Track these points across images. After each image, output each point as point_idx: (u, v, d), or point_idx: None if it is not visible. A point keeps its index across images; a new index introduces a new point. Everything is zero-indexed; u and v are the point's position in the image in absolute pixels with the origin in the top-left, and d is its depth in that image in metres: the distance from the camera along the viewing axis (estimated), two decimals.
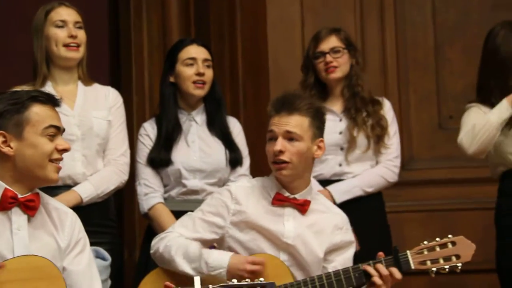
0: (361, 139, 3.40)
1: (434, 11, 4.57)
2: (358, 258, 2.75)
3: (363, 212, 3.36)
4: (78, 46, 3.23)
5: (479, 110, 3.25)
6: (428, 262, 2.52)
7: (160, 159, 3.32)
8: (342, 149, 3.41)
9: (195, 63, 3.34)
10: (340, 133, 3.42)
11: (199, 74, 3.32)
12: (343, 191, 3.37)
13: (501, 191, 3.26)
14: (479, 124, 3.16)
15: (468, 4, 4.57)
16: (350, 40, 3.51)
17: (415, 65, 4.54)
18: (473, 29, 4.53)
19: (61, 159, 2.46)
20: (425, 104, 4.52)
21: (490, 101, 3.23)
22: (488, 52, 3.28)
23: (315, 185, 3.31)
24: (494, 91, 3.24)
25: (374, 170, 3.43)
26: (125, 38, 4.55)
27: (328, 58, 3.42)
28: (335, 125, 3.42)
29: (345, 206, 3.29)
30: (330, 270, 2.66)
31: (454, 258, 2.51)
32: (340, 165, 3.42)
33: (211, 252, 2.69)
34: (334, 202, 3.30)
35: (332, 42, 3.45)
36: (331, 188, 3.37)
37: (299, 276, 2.68)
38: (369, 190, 3.41)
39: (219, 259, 2.66)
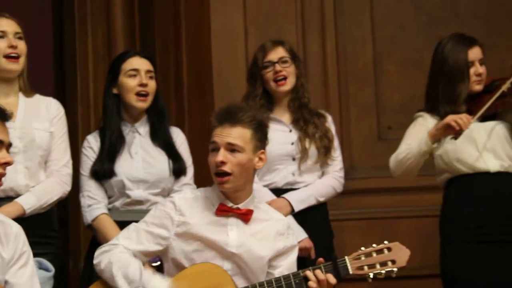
0: (313, 151, 3.41)
1: (373, 26, 4.62)
2: (307, 264, 2.76)
3: (311, 220, 3.37)
4: (18, 57, 3.19)
5: (423, 122, 3.28)
6: (366, 267, 2.55)
7: (103, 170, 3.28)
8: (294, 159, 3.42)
9: (138, 74, 3.31)
10: (292, 143, 3.43)
11: (142, 85, 3.30)
12: (300, 200, 3.38)
13: (445, 198, 3.29)
14: (402, 153, 3.21)
15: (404, 20, 4.64)
16: (295, 52, 3.53)
17: (354, 77, 4.58)
18: (409, 44, 4.59)
19: (3, 173, 2.41)
20: (364, 115, 4.56)
21: (438, 109, 3.26)
22: (437, 62, 3.32)
23: (268, 194, 3.33)
24: (441, 100, 3.26)
25: (325, 181, 3.45)
26: (70, 50, 4.49)
27: (278, 67, 3.41)
28: (286, 135, 3.42)
29: (294, 215, 3.34)
30: (276, 275, 2.68)
31: (390, 263, 2.54)
32: (293, 174, 3.43)
33: (150, 278, 2.66)
34: (292, 211, 3.33)
35: (279, 52, 3.45)
36: (289, 197, 3.37)
37: (243, 285, 2.67)
38: (321, 199, 3.44)
39: (157, 286, 2.62)
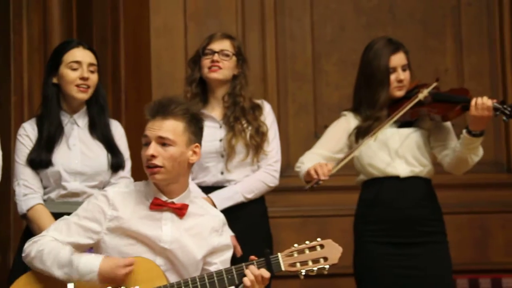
0: (240, 148, 3.37)
1: (313, 25, 4.65)
2: (239, 261, 2.74)
3: (247, 218, 3.35)
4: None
5: (344, 123, 3.32)
6: (298, 264, 2.53)
7: (40, 160, 3.20)
8: (222, 156, 3.38)
9: (79, 67, 3.24)
10: (220, 140, 3.40)
11: (83, 78, 3.24)
12: (225, 197, 3.34)
13: (360, 199, 3.35)
14: (297, 166, 3.33)
15: (344, 21, 4.68)
16: (241, 51, 3.49)
17: (293, 75, 4.60)
18: (348, 44, 4.63)
19: None
20: (302, 113, 4.58)
21: (360, 111, 3.30)
22: (363, 64, 3.34)
23: (197, 192, 3.27)
24: (363, 102, 3.30)
25: (254, 176, 3.41)
26: (4, 39, 4.39)
27: (216, 57, 3.38)
28: (215, 132, 3.38)
29: (228, 212, 3.25)
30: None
31: (322, 260, 2.53)
32: (222, 173, 3.39)
33: (81, 257, 2.60)
34: None
35: (224, 45, 3.41)
36: (213, 195, 3.33)
37: (176, 280, 2.62)
38: (250, 196, 3.39)
39: (89, 263, 2.57)
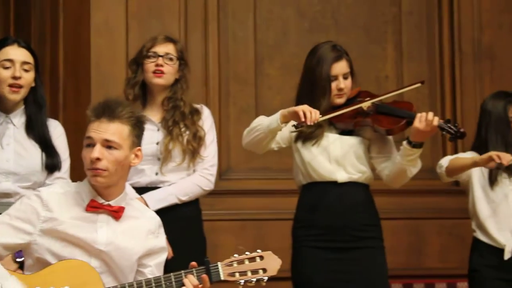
0: (177, 152, 3.34)
1: (256, 27, 4.64)
2: (173, 266, 2.73)
3: (180, 220, 3.32)
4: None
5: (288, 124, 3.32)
6: (237, 274, 2.54)
7: None
8: (159, 159, 3.34)
9: (12, 66, 3.16)
10: (157, 143, 3.36)
11: (14, 77, 3.16)
12: (158, 199, 3.30)
13: (298, 203, 3.35)
14: (254, 123, 3.22)
15: (287, 25, 4.68)
16: (184, 55, 3.46)
17: (235, 78, 4.58)
18: (291, 48, 4.63)
19: None
20: (244, 116, 4.54)
21: None
22: (306, 69, 3.33)
23: (131, 192, 3.25)
24: None
25: (190, 179, 3.38)
26: None
27: (160, 61, 3.35)
28: (153, 135, 3.34)
29: (162, 213, 3.28)
30: (147, 274, 2.62)
31: (261, 272, 2.55)
32: (157, 174, 3.37)
33: (6, 278, 2.50)
34: None
35: (168, 48, 3.38)
36: (146, 196, 3.29)
37: (111, 283, 2.57)
38: (184, 198, 3.36)
39: None
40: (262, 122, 3.21)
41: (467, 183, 3.68)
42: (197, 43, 4.54)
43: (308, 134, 3.27)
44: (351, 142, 3.29)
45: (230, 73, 4.60)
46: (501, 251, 3.57)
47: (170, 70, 3.37)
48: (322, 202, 3.25)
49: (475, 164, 3.46)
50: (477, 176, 3.64)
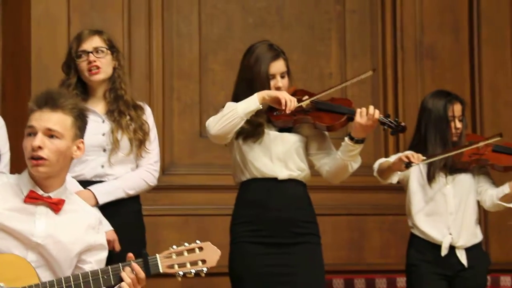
0: (125, 142, 3.29)
1: (200, 23, 4.61)
2: (113, 261, 2.69)
3: (121, 214, 3.27)
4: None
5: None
6: (176, 266, 2.51)
7: None
8: (104, 150, 3.29)
9: None
10: (103, 134, 3.30)
11: None
12: (106, 192, 3.24)
13: (237, 199, 3.35)
14: (227, 109, 3.19)
15: (232, 20, 4.67)
16: (113, 42, 3.40)
17: (180, 74, 4.54)
18: (235, 44, 4.61)
19: None
20: (187, 112, 4.53)
21: None
22: (243, 68, 3.33)
23: (75, 185, 3.15)
24: None
25: (136, 173, 3.34)
26: None
27: (91, 57, 3.29)
28: (98, 126, 3.28)
29: (105, 207, 3.22)
30: (87, 270, 2.55)
31: (200, 263, 2.52)
32: (102, 166, 3.30)
33: None
34: (97, 203, 3.20)
35: (95, 42, 3.32)
36: (94, 189, 3.23)
37: (49, 277, 2.51)
38: (131, 192, 3.32)
39: None
40: (235, 107, 3.17)
41: (404, 181, 3.72)
42: (141, 38, 4.49)
43: (249, 132, 3.26)
44: (291, 139, 3.30)
45: (174, 69, 4.56)
46: (438, 246, 3.62)
47: (104, 63, 3.32)
48: (262, 198, 3.25)
49: (389, 168, 3.52)
50: (415, 174, 3.67)
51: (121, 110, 3.32)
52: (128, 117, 3.33)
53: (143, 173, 3.37)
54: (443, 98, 3.69)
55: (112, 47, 3.36)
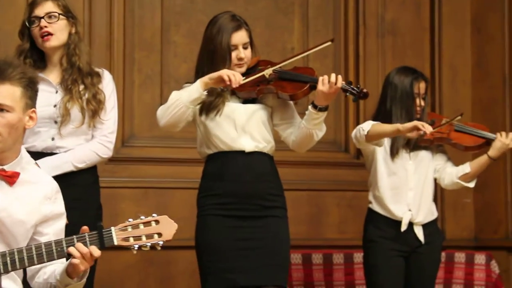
0: (76, 113, 3.20)
1: None
2: (68, 234, 2.64)
3: (76, 187, 3.19)
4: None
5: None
6: (131, 239, 2.45)
7: None
8: (56, 122, 3.20)
9: None
10: (55, 106, 3.19)
11: None
12: (53, 166, 3.16)
13: (204, 172, 3.31)
14: (171, 100, 3.16)
15: None
16: (69, 8, 3.29)
17: (141, 45, 4.46)
18: (198, 16, 4.54)
19: None
20: (148, 83, 4.46)
21: None
22: (206, 39, 3.29)
23: (27, 157, 3.14)
24: (205, 75, 3.21)
25: (87, 146, 3.25)
26: None
27: (43, 23, 3.18)
28: (50, 97, 3.19)
29: (58, 179, 3.10)
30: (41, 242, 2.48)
31: (156, 236, 2.48)
32: (53, 139, 3.20)
33: None
34: None
35: (48, 7, 3.21)
36: (41, 162, 3.13)
37: (2, 249, 2.44)
38: (81, 165, 3.23)
39: None
40: (179, 96, 3.15)
41: (372, 153, 3.71)
42: (102, 8, 4.38)
43: (209, 103, 3.22)
44: (254, 109, 3.27)
45: (136, 39, 4.48)
46: (396, 222, 3.63)
47: (57, 28, 3.22)
48: (229, 171, 3.22)
49: (397, 131, 3.48)
50: (380, 148, 3.68)
51: (74, 78, 3.23)
52: (81, 86, 3.23)
53: (95, 145, 3.27)
54: (409, 75, 3.70)
55: (67, 13, 3.26)
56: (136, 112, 4.46)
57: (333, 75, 3.13)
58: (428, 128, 3.40)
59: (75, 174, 3.22)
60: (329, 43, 3.31)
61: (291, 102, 3.32)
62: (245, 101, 3.28)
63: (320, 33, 4.73)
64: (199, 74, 3.27)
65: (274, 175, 3.31)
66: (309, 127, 3.22)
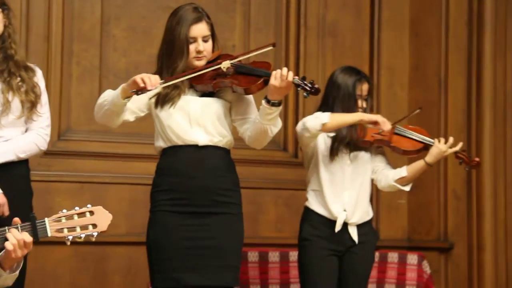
0: (16, 104, 3.18)
1: None
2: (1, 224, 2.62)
3: (9, 178, 3.18)
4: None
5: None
6: (65, 230, 2.40)
7: None
8: None
9: None
10: None
11: None
12: None
13: (157, 167, 3.28)
14: (100, 99, 3.15)
15: None
16: (4, 0, 3.31)
17: (80, 37, 4.40)
18: (139, 10, 4.51)
19: None
20: (87, 76, 4.40)
21: (161, 78, 3.17)
22: (166, 30, 3.26)
23: None
24: (163, 69, 3.23)
25: (27, 136, 3.24)
26: None
27: None
28: None
29: None
30: None
31: (91, 227, 2.44)
32: None
33: None
34: None
35: None
36: None
37: None
38: (22, 155, 3.22)
39: None
40: (107, 97, 3.12)
41: (312, 150, 3.71)
42: None
43: (164, 95, 3.20)
44: (210, 102, 3.23)
45: (74, 32, 4.39)
46: (332, 222, 3.65)
47: None
48: (180, 165, 3.18)
49: (360, 120, 3.50)
50: (321, 147, 3.69)
51: (11, 70, 3.21)
52: (19, 78, 3.22)
53: (35, 136, 3.27)
54: (353, 75, 3.71)
55: (2, 5, 3.24)
56: (73, 105, 4.38)
57: (284, 69, 3.09)
58: (387, 126, 3.44)
59: (8, 166, 3.19)
60: (271, 47, 3.28)
61: (251, 97, 3.28)
62: (203, 94, 3.25)
63: (261, 32, 4.74)
64: (158, 65, 3.25)
65: (228, 170, 3.26)
66: (263, 122, 3.17)
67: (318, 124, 3.53)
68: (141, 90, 3.00)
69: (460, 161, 3.84)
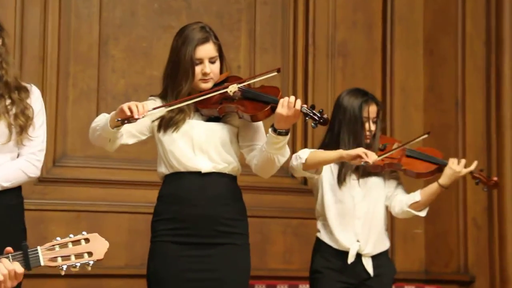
0: (2, 129, 3.04)
1: (101, 5, 4.41)
2: None
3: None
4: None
5: (151, 105, 3.11)
6: (59, 259, 2.31)
7: None
8: None
9: None
10: None
11: None
12: None
13: (159, 194, 3.17)
14: (93, 123, 3.07)
15: (135, 5, 4.51)
16: None
17: (77, 58, 4.33)
18: (138, 30, 4.47)
19: None
20: (84, 99, 4.33)
21: (166, 99, 3.12)
22: (172, 50, 3.16)
23: None
24: (168, 90, 3.14)
25: (13, 164, 3.08)
26: None
27: None
28: None
29: None
30: None
31: (86, 255, 2.33)
32: None
33: None
34: None
35: None
36: None
37: None
38: (6, 184, 3.05)
39: None
40: (99, 122, 3.02)
41: (316, 180, 3.61)
42: (35, 17, 4.23)
43: (168, 119, 3.09)
44: (216, 128, 3.11)
45: (71, 52, 4.33)
46: (344, 253, 3.54)
47: None
48: (182, 193, 3.07)
49: (340, 158, 3.37)
50: (327, 175, 3.58)
51: (0, 93, 3.08)
52: (8, 101, 3.07)
53: (22, 163, 3.11)
54: (359, 97, 3.61)
55: None
56: (69, 129, 4.33)
57: (292, 98, 2.98)
58: (371, 157, 3.29)
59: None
60: (275, 73, 3.14)
61: (259, 123, 3.17)
62: (210, 119, 3.13)
63: (268, 52, 4.68)
64: (164, 86, 3.16)
65: (233, 198, 3.14)
66: (270, 151, 3.05)
67: (299, 163, 3.44)
68: (127, 120, 2.88)
69: (476, 181, 3.73)
